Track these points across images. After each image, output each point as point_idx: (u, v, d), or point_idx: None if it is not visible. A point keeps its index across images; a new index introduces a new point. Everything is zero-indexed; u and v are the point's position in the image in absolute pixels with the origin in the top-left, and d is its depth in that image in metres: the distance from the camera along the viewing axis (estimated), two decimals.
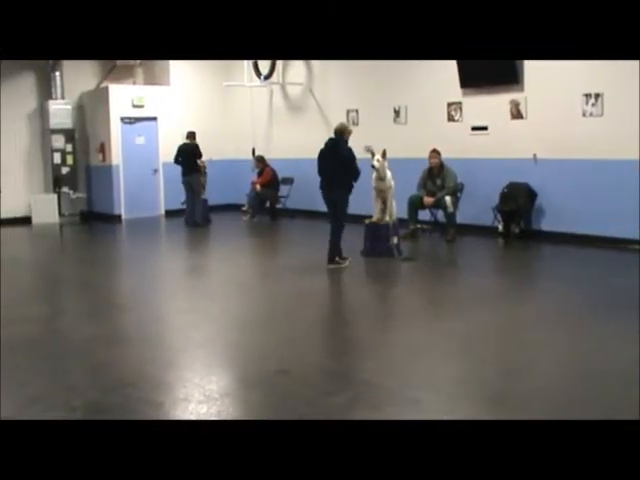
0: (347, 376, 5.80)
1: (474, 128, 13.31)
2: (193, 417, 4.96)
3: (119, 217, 17.85)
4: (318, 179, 10.46)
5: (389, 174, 11.06)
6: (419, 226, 13.10)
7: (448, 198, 12.48)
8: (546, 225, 12.41)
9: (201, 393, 5.42)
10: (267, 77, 17.30)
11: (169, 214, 18.13)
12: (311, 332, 7.44)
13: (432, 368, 6.02)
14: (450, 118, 13.69)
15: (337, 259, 10.24)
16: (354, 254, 10.96)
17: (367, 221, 11.34)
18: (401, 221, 11.70)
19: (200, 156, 16.16)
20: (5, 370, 5.97)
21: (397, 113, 14.65)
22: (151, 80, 18.64)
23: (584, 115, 11.68)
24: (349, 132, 10.41)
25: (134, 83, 18.55)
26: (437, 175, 12.78)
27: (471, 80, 13.04)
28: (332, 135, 10.45)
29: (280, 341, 6.93)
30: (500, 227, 12.58)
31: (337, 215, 10.33)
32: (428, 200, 12.65)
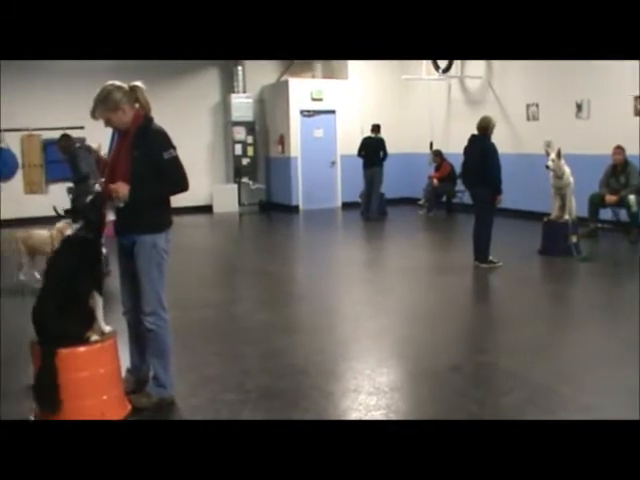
0: (519, 377, 5.65)
1: None
2: (362, 408, 5.00)
3: (296, 208, 18.22)
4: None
5: (567, 171, 10.68)
6: (600, 225, 12.58)
7: (632, 197, 11.89)
8: None
9: (371, 385, 5.45)
10: (445, 70, 17.13)
11: (346, 206, 18.32)
12: (483, 329, 7.33)
13: (608, 375, 5.73)
14: (637, 112, 13.02)
15: (490, 258, 10.00)
16: (531, 252, 10.70)
17: (545, 219, 11.03)
18: (581, 219, 11.28)
19: (386, 151, 16.20)
20: (184, 351, 6.23)
21: (579, 107, 14.10)
22: (330, 74, 18.88)
23: None
24: (493, 127, 10.07)
25: (313, 77, 18.86)
26: (621, 172, 12.22)
27: None
28: (490, 130, 10.08)
29: (452, 337, 6.87)
30: None
31: (480, 213, 10.09)
32: (610, 198, 12.12)
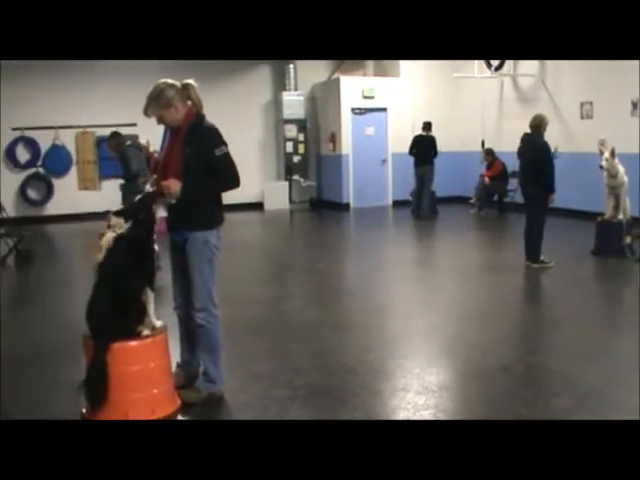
0: (570, 378, 5.58)
1: None
2: (410, 407, 4.99)
3: (347, 205, 18.23)
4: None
5: (621, 170, 10.50)
6: None
7: None
8: None
9: (420, 384, 5.44)
10: (498, 68, 16.97)
11: (396, 204, 18.28)
12: (534, 330, 7.26)
13: None
14: None
15: (542, 258, 9.87)
16: (584, 253, 10.57)
17: (599, 219, 10.87)
18: (635, 219, 11.08)
19: (437, 149, 16.11)
20: (234, 347, 6.28)
21: (634, 105, 13.86)
22: (381, 72, 18.84)
23: None
24: (546, 125, 9.92)
25: (364, 75, 18.84)
26: None
27: None
28: (542, 128, 9.95)
29: (502, 337, 6.81)
30: None
31: (532, 212, 9.97)
32: None
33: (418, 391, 5.29)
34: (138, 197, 5.13)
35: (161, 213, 5.12)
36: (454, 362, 6.17)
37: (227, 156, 4.99)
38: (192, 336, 5.30)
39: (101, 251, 9.89)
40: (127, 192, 10.20)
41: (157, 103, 4.93)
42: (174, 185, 4.88)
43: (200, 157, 4.92)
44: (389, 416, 4.92)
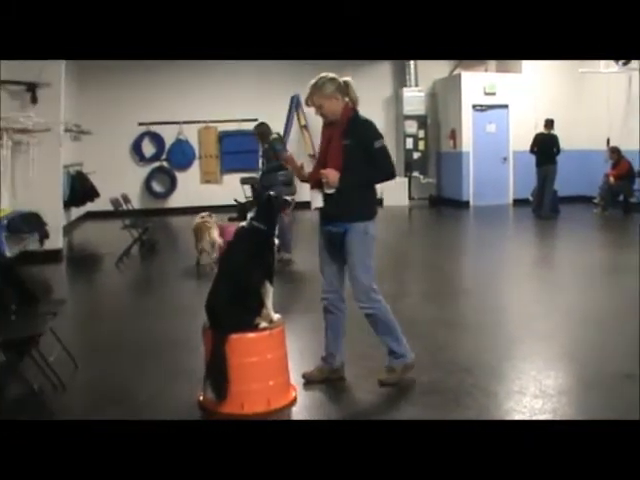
0: None
1: None
2: (526, 411, 4.88)
3: (467, 203, 18.03)
4: None
5: None
6: None
7: None
8: None
9: (537, 388, 5.31)
10: (626, 62, 16.39)
11: (517, 203, 17.96)
12: None
13: None
14: None
15: None
16: None
17: None
18: None
19: (559, 147, 15.73)
20: (348, 343, 6.30)
21: None
22: (503, 67, 18.50)
23: None
24: None
25: (486, 70, 18.56)
26: None
27: None
28: None
29: (627, 342, 6.56)
30: None
31: None
32: None
33: (535, 395, 5.16)
34: (272, 193, 5.30)
35: (317, 204, 5.22)
36: (573, 366, 5.99)
37: (384, 148, 5.24)
38: (337, 327, 5.48)
39: (202, 239, 10.50)
40: (264, 183, 10.31)
41: (320, 92, 5.19)
42: (332, 174, 5.09)
43: (359, 149, 5.15)
44: (503, 418, 4.83)
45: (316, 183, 5.22)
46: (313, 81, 5.23)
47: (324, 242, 5.40)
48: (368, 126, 5.26)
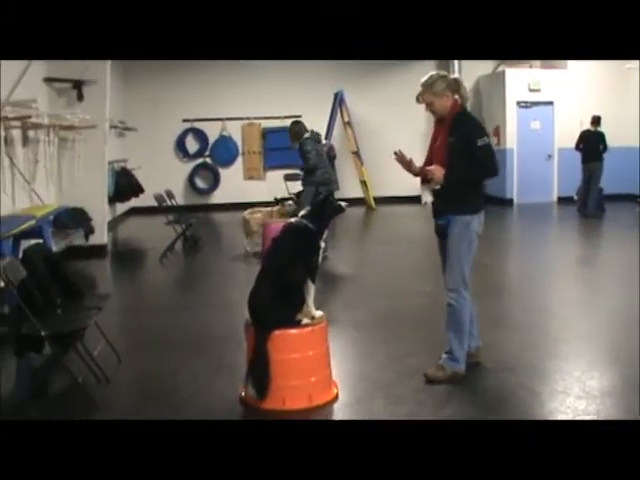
0: None
1: None
2: (570, 412, 4.83)
3: (511, 201, 17.88)
4: None
5: None
6: None
7: None
8: None
9: (580, 388, 5.26)
10: None
11: (562, 201, 17.77)
12: None
13: None
14: None
15: None
16: None
17: None
18: None
19: (605, 144, 15.52)
20: (392, 339, 6.30)
21: None
22: (548, 64, 18.25)
23: None
24: None
25: (530, 67, 18.34)
26: None
27: None
28: None
29: None
30: None
31: None
32: None
33: (578, 395, 5.11)
34: (326, 196, 5.37)
35: (427, 198, 5.39)
36: (618, 367, 5.90)
37: (488, 146, 5.34)
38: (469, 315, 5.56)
39: (251, 234, 10.76)
40: (306, 184, 10.29)
41: (431, 90, 5.36)
42: (437, 171, 5.24)
43: (463, 146, 5.25)
44: (547, 418, 4.79)
45: (425, 179, 5.38)
46: (424, 79, 5.38)
47: (438, 237, 5.58)
48: (474, 123, 5.42)
